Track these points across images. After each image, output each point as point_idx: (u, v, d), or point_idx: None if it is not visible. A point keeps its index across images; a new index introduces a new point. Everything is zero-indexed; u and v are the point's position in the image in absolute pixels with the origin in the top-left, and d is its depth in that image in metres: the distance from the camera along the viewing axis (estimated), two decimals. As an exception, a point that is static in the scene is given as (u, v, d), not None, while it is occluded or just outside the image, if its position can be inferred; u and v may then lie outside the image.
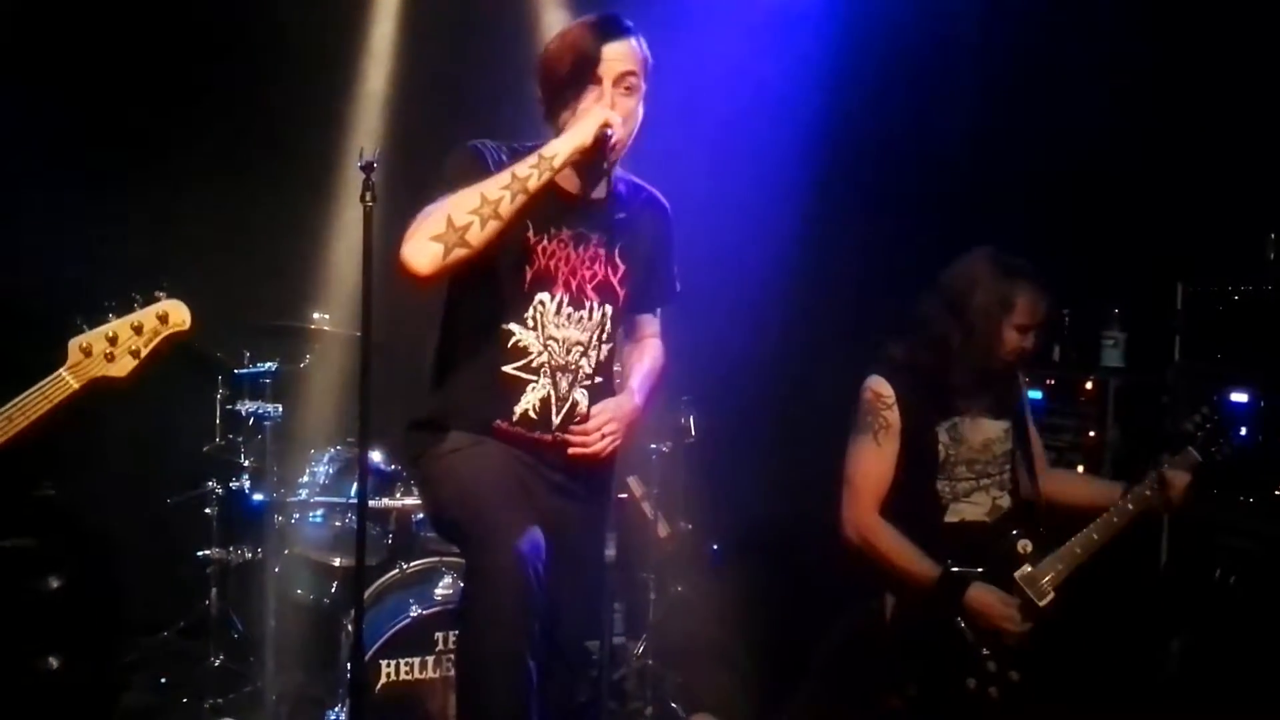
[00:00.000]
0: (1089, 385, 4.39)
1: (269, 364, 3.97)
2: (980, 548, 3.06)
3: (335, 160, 4.49)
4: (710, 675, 4.43)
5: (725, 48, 4.61)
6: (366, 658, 3.50)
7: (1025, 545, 3.08)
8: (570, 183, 2.58)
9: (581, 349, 2.58)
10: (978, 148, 4.63)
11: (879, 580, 3.14)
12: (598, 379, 2.62)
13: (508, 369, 2.52)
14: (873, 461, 3.08)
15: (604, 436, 2.56)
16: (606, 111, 2.45)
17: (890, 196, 4.73)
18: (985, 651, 3.02)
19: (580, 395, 2.59)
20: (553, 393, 2.55)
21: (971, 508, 3.13)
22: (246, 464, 4.03)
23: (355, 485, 3.90)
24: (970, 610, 3.00)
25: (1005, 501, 3.14)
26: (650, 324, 2.85)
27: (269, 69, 4.56)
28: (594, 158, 2.47)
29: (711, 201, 4.46)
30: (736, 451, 4.82)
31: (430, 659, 3.45)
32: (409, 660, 3.45)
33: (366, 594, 3.76)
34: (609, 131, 2.42)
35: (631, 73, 2.50)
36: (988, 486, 3.14)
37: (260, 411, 3.92)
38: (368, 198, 2.49)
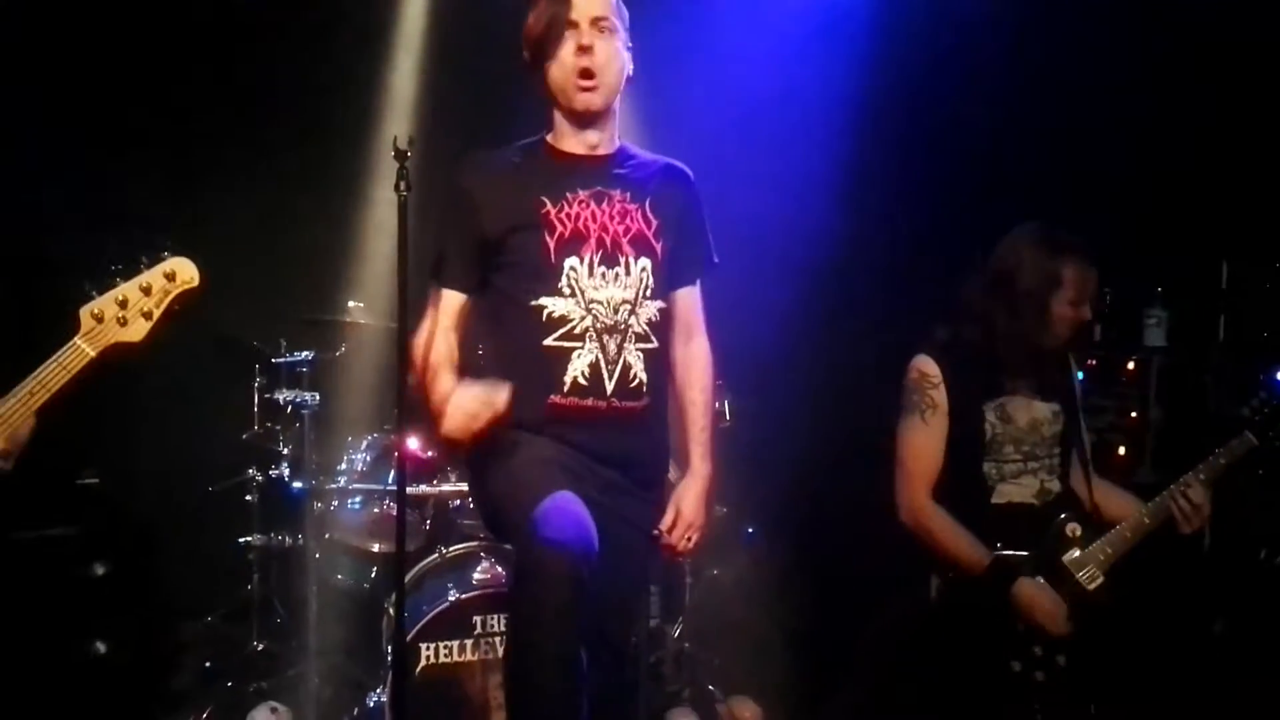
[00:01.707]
0: (1131, 365, 4.33)
1: (305, 353, 3.99)
2: (1028, 531, 3.03)
3: (370, 148, 4.48)
4: (748, 658, 4.43)
5: (757, 35, 4.59)
6: (406, 640, 3.55)
7: (1074, 529, 3.04)
8: (574, 144, 2.57)
9: (629, 307, 2.51)
10: (1016, 129, 4.56)
11: (926, 562, 3.12)
12: (652, 340, 2.55)
13: (548, 342, 2.47)
14: (921, 441, 3.05)
15: (688, 539, 2.61)
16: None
17: (927, 179, 4.67)
18: (1031, 637, 3.00)
19: (634, 358, 2.51)
20: (601, 356, 2.48)
21: (1019, 489, 3.08)
22: (285, 452, 4.06)
23: (393, 472, 3.97)
24: (1017, 603, 2.97)
25: (1055, 485, 3.10)
26: (692, 308, 2.76)
27: (303, 56, 4.56)
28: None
29: (745, 182, 4.43)
30: (771, 434, 4.79)
31: (469, 642, 3.47)
32: (448, 644, 3.47)
33: (407, 578, 3.81)
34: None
35: (604, 16, 2.51)
36: (1036, 469, 3.09)
37: (298, 400, 3.94)
38: (402, 187, 2.46)
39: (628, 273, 2.52)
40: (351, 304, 4.03)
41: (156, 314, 2.37)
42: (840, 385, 4.67)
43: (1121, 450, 4.25)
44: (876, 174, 4.67)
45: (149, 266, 2.38)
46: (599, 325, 2.49)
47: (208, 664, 4.21)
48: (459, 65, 4.62)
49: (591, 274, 2.49)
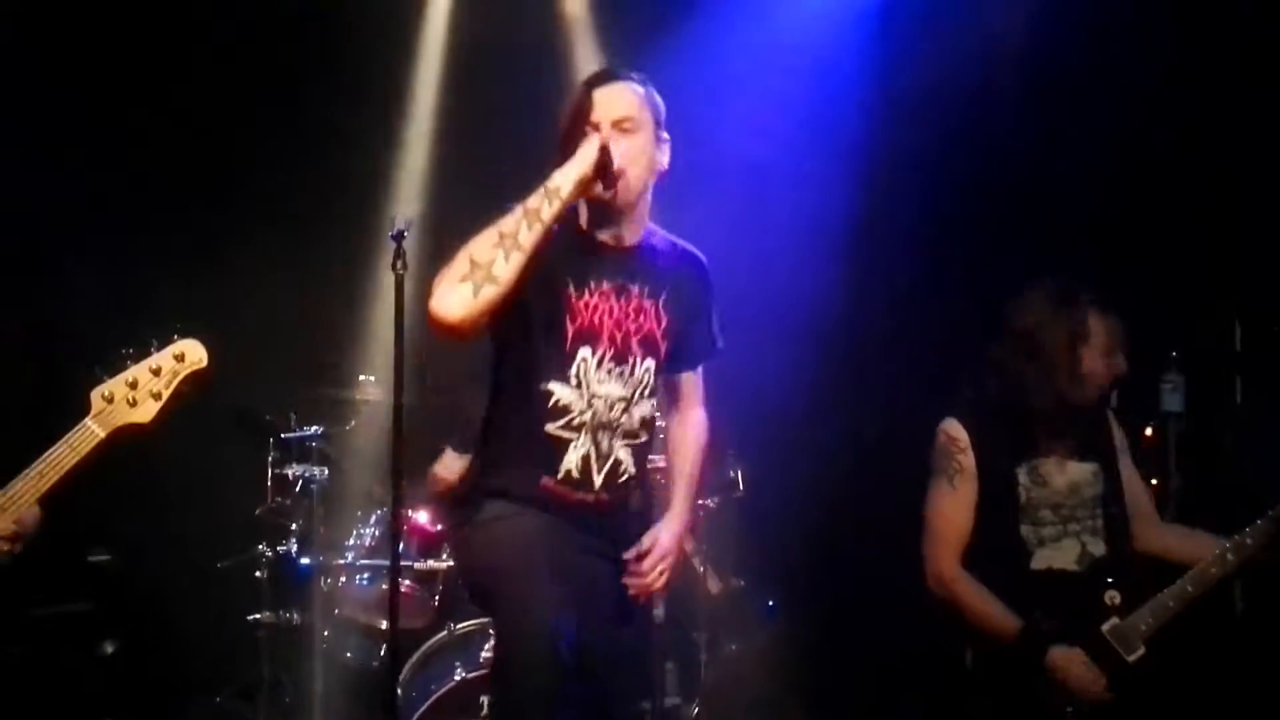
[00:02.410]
0: (1149, 432, 4.26)
1: (315, 427, 4.00)
2: (1067, 598, 2.96)
3: (380, 226, 4.53)
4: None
5: (763, 74, 4.60)
6: (414, 721, 3.50)
7: (1114, 597, 2.96)
8: (604, 233, 2.56)
9: (624, 405, 2.53)
10: (1030, 190, 4.54)
11: (958, 632, 3.06)
12: (641, 437, 2.58)
13: (550, 428, 2.48)
14: (950, 507, 3.01)
15: (661, 573, 2.59)
16: (599, 138, 2.44)
17: (935, 239, 4.66)
18: (1069, 708, 2.91)
19: (623, 454, 2.54)
20: (593, 450, 2.50)
21: (1059, 554, 3.01)
22: (293, 527, 4.05)
23: (402, 545, 3.95)
24: (1051, 671, 2.89)
25: (1098, 549, 3.03)
26: (692, 385, 2.79)
27: (312, 133, 4.65)
28: (600, 187, 2.44)
29: (759, 249, 4.45)
30: (789, 504, 4.74)
31: (476, 723, 3.42)
32: (454, 724, 3.43)
33: (415, 656, 3.77)
34: (607, 153, 2.40)
35: (627, 117, 2.49)
36: (1077, 533, 3.03)
37: (306, 474, 3.95)
38: (398, 265, 2.50)
39: (632, 372, 2.55)
40: (361, 378, 4.05)
41: (165, 395, 2.41)
42: (862, 451, 4.62)
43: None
44: (896, 232, 4.66)
45: (159, 349, 2.41)
46: (596, 420, 2.51)
47: (216, 744, 4.17)
48: (471, 138, 4.69)
49: (600, 367, 2.51)
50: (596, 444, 2.51)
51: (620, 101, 2.50)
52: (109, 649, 4.14)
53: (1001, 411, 3.02)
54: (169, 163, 4.53)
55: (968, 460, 3.00)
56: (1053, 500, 3.02)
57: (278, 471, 4.08)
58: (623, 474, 2.54)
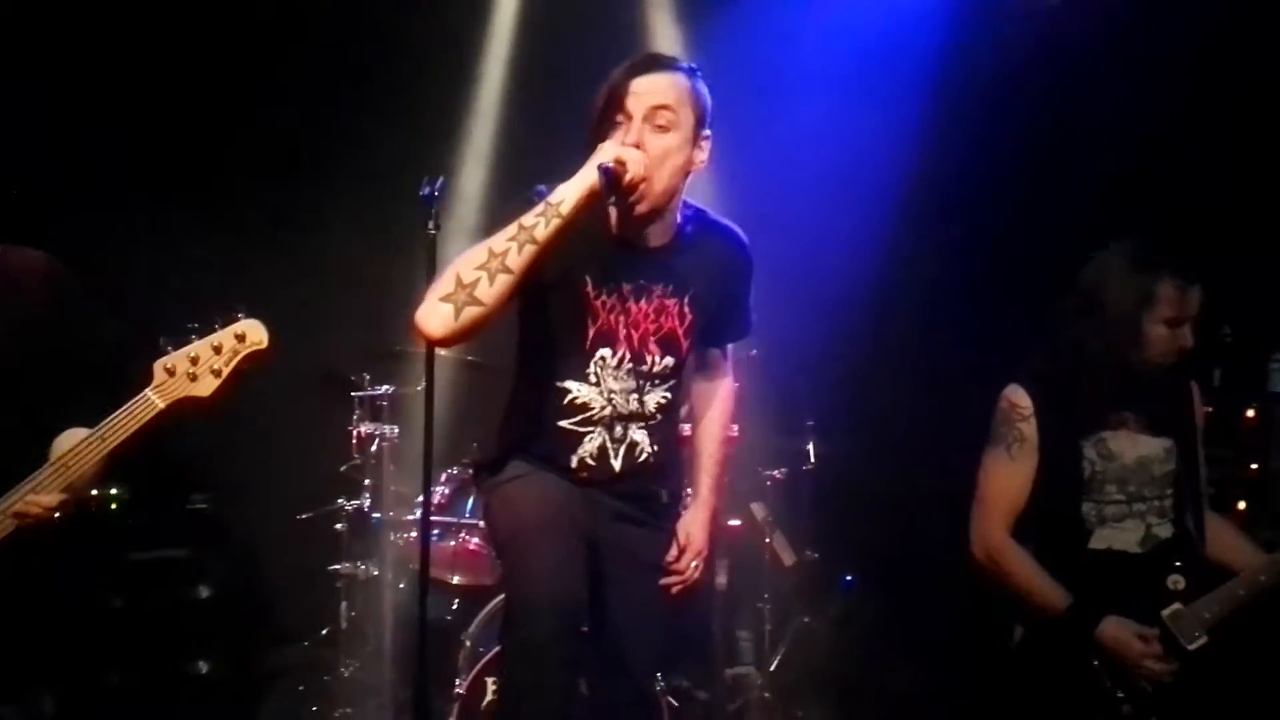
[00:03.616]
0: (1251, 413, 4.03)
1: (387, 387, 4.12)
2: (1126, 580, 2.82)
3: (452, 184, 4.65)
4: (833, 710, 4.30)
5: (831, 46, 4.54)
6: (472, 675, 3.60)
7: (1177, 581, 2.81)
8: (629, 233, 2.46)
9: (638, 395, 2.49)
10: (1115, 151, 4.33)
11: (1007, 608, 2.95)
12: (658, 418, 2.54)
13: (564, 424, 2.47)
14: (1005, 476, 2.89)
15: (697, 566, 2.59)
16: (616, 149, 2.31)
17: (1020, 211, 4.49)
18: (1120, 693, 2.79)
19: (639, 435, 2.51)
20: (608, 438, 2.49)
21: (1121, 534, 2.87)
22: (366, 483, 4.19)
23: (470, 503, 4.06)
24: (1103, 645, 2.76)
25: (1164, 531, 2.88)
26: (719, 357, 2.74)
27: (384, 99, 4.78)
28: (610, 200, 2.33)
29: (833, 223, 4.38)
30: (862, 477, 4.66)
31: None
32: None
33: (481, 613, 3.87)
34: (611, 167, 2.28)
35: (664, 106, 2.34)
36: (1142, 513, 2.88)
37: (379, 432, 4.07)
38: (430, 226, 2.53)
39: (650, 369, 2.50)
40: (432, 340, 4.14)
41: (225, 372, 2.43)
42: (935, 423, 4.50)
43: (1241, 505, 3.94)
44: (970, 200, 4.54)
45: (222, 326, 2.45)
46: (614, 414, 2.49)
47: (300, 688, 4.35)
48: (542, 107, 4.71)
49: (618, 367, 2.47)
50: (612, 432, 2.49)
51: (658, 93, 2.34)
52: (204, 593, 4.35)
53: (1069, 380, 2.87)
54: (247, 134, 4.70)
55: (1029, 429, 2.86)
56: (1119, 476, 2.87)
57: (356, 429, 4.21)
58: (641, 453, 2.51)
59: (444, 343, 2.33)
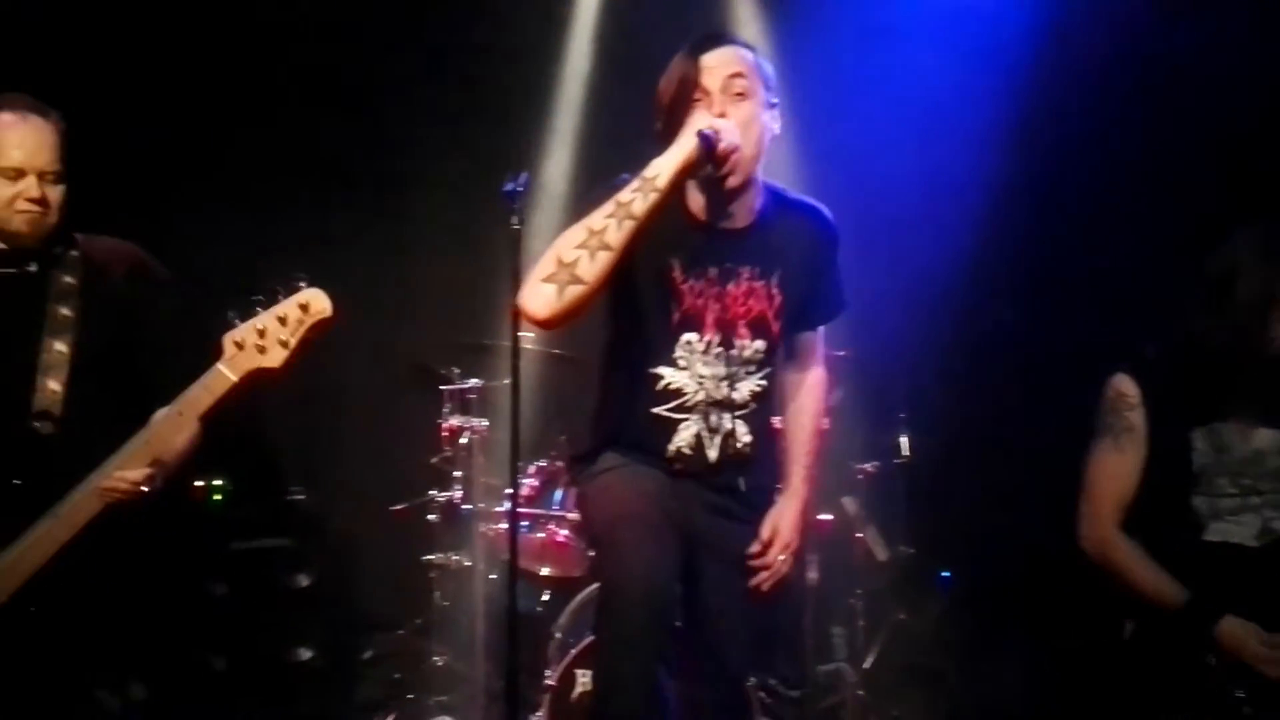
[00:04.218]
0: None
1: (475, 380, 4.16)
2: (1242, 575, 2.71)
3: (540, 177, 4.65)
4: (929, 711, 4.22)
5: (911, 54, 4.45)
6: (563, 666, 3.62)
7: None
8: (713, 215, 2.46)
9: (730, 382, 2.49)
10: (1232, 137, 4.14)
11: (1117, 603, 2.85)
12: (751, 406, 2.53)
13: (659, 410, 2.47)
14: (1113, 467, 2.80)
15: (784, 561, 2.54)
16: (710, 118, 2.34)
17: (1126, 200, 4.32)
18: (1239, 693, 2.67)
19: (735, 424, 2.50)
20: (704, 427, 2.48)
21: (1237, 528, 2.76)
22: (456, 475, 4.23)
23: (559, 494, 4.08)
24: (1222, 645, 2.66)
25: None
26: (810, 344, 2.70)
27: (475, 83, 4.80)
28: (706, 171, 2.34)
29: (925, 212, 4.28)
30: (962, 472, 4.55)
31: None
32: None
33: (571, 604, 3.89)
34: (710, 133, 2.30)
35: (738, 74, 2.38)
36: (1258, 506, 2.76)
37: (468, 425, 4.11)
38: (515, 221, 2.53)
39: (740, 354, 2.49)
40: (521, 333, 4.16)
41: (293, 343, 2.45)
42: (1033, 415, 4.37)
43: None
44: (1075, 185, 4.39)
45: (285, 295, 2.47)
46: (708, 399, 2.47)
47: (396, 676, 4.44)
48: (625, 97, 4.68)
49: (706, 351, 2.47)
50: (708, 421, 2.48)
51: (729, 63, 2.39)
52: (303, 582, 4.45)
53: (1180, 368, 2.77)
54: (335, 128, 4.75)
55: (1137, 418, 2.77)
56: (1232, 469, 2.75)
57: (445, 422, 4.26)
58: (737, 443, 2.50)
59: (548, 323, 2.33)
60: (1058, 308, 4.40)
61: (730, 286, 2.46)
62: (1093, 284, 4.29)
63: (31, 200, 2.49)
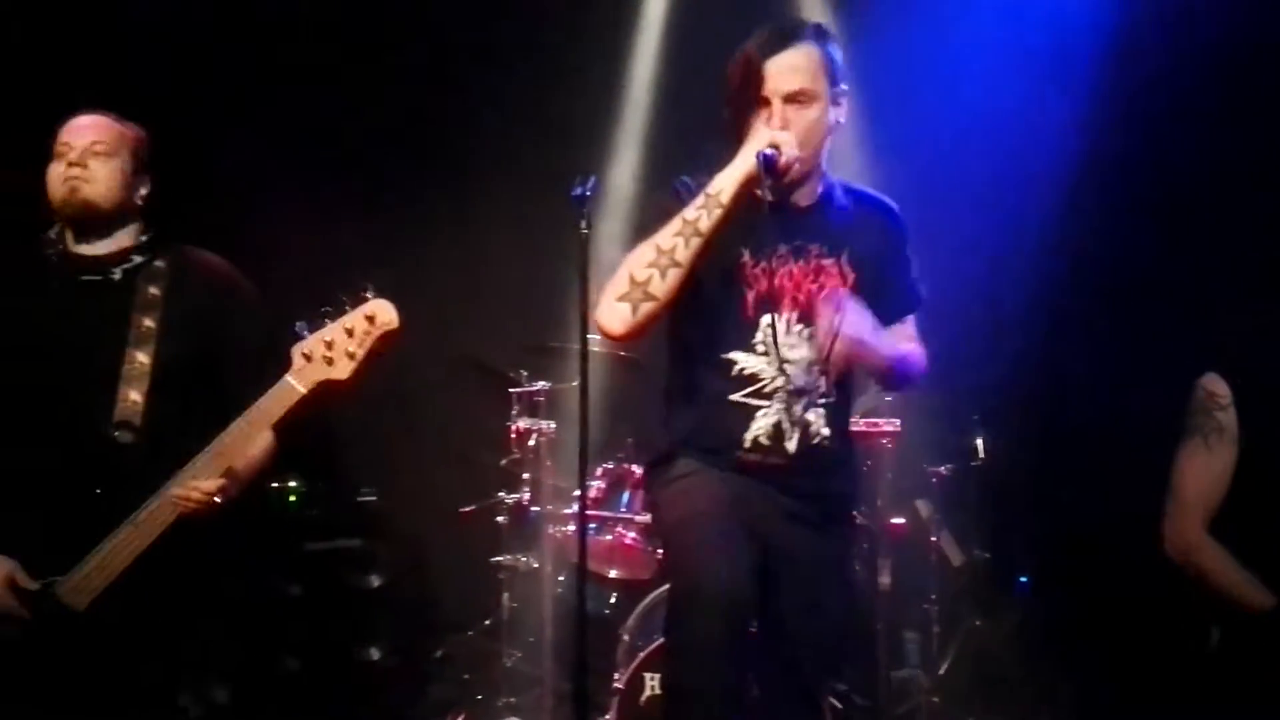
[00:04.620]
0: None
1: (543, 383, 4.16)
2: None
3: (605, 183, 4.64)
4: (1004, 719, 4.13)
5: (980, 46, 4.35)
6: (631, 669, 3.60)
7: None
8: (775, 194, 2.43)
9: (819, 367, 2.45)
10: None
11: (1203, 608, 2.77)
12: (834, 396, 2.49)
13: (735, 397, 2.44)
14: (1202, 469, 2.73)
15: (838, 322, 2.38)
16: (771, 133, 2.34)
17: (1209, 195, 4.19)
18: None
19: (814, 415, 2.46)
20: (785, 417, 2.44)
21: None
22: (525, 477, 4.24)
23: (627, 497, 4.06)
24: None
25: None
26: (900, 336, 2.61)
27: (540, 87, 4.80)
28: (766, 184, 2.34)
29: (1002, 210, 4.19)
30: (1039, 476, 4.44)
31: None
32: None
33: (640, 606, 3.87)
34: (771, 153, 2.31)
35: (800, 90, 2.38)
36: None
37: (536, 427, 4.12)
38: (582, 226, 2.52)
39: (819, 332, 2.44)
40: (588, 336, 4.15)
41: (360, 355, 2.45)
42: (1113, 416, 4.25)
43: None
44: (1152, 180, 4.25)
45: (351, 307, 2.47)
46: (790, 386, 2.44)
47: (466, 676, 4.46)
48: (691, 97, 4.65)
49: (789, 332, 2.45)
50: (789, 410, 2.44)
51: (795, 75, 2.38)
52: (374, 583, 4.49)
53: (1272, 368, 2.69)
54: (403, 131, 4.80)
55: (1228, 419, 2.69)
56: None
57: (514, 425, 4.27)
58: (816, 436, 2.46)
59: (625, 338, 2.42)
60: (1140, 304, 4.27)
61: (800, 263, 2.46)
62: (1180, 280, 4.16)
63: (72, 164, 2.53)
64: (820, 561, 2.52)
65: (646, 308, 2.35)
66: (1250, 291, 2.82)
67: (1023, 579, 4.65)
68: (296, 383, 2.44)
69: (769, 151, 2.32)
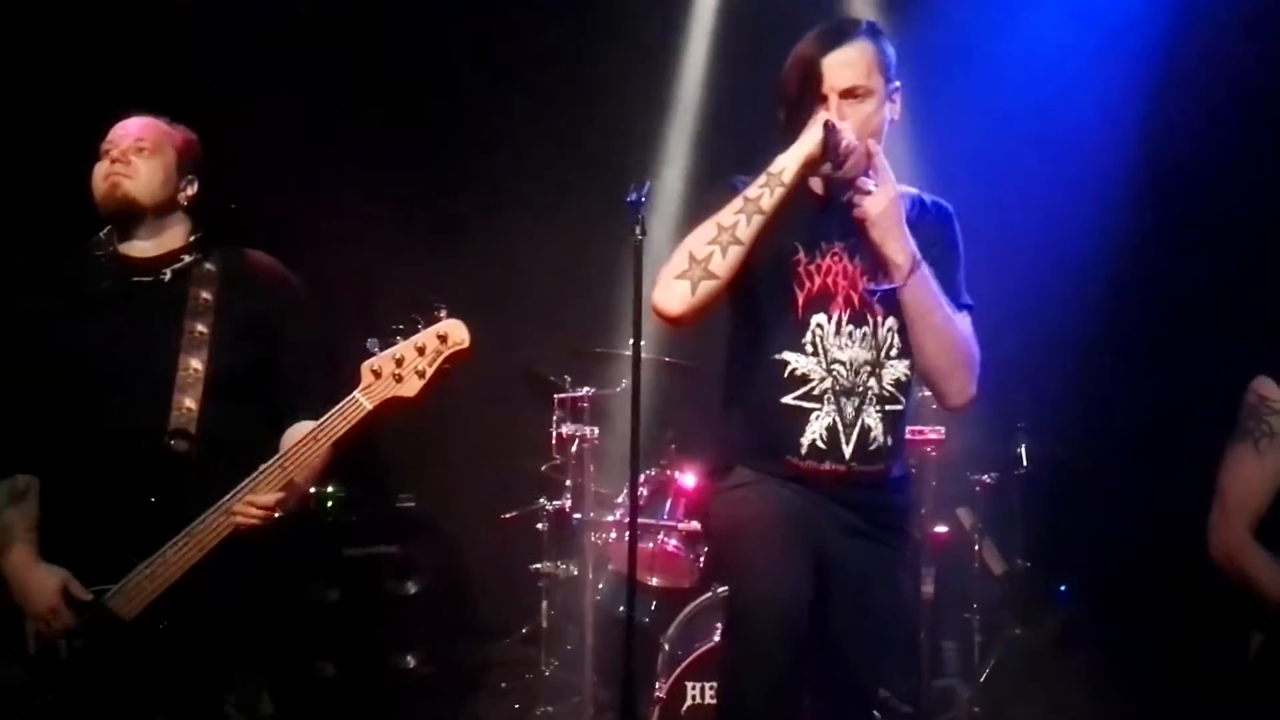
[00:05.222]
0: None
1: (587, 389, 4.15)
2: None
3: (652, 178, 4.62)
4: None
5: (1033, 46, 4.32)
6: (672, 678, 3.58)
7: None
8: (830, 190, 2.45)
9: (870, 368, 2.42)
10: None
11: (1246, 614, 2.74)
12: (895, 403, 2.45)
13: (787, 400, 2.41)
14: (1251, 472, 2.71)
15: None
16: (829, 116, 2.33)
17: (1261, 195, 4.13)
18: None
19: (872, 420, 2.42)
20: (838, 418, 2.41)
21: None
22: (567, 483, 4.23)
23: (669, 506, 4.04)
24: None
25: None
26: None
27: (585, 100, 4.80)
28: (825, 169, 2.35)
29: (1046, 214, 4.16)
30: (1081, 484, 4.40)
31: (734, 685, 3.45)
32: (714, 685, 3.47)
33: (680, 615, 3.85)
34: (832, 131, 2.30)
35: (856, 85, 2.37)
36: None
37: (579, 433, 4.10)
38: (638, 231, 2.51)
39: (874, 333, 2.43)
40: (631, 341, 4.13)
41: (429, 373, 2.42)
42: (1158, 423, 4.21)
43: None
44: (1198, 183, 4.20)
45: (424, 326, 2.45)
46: (838, 387, 2.41)
47: (504, 684, 4.45)
48: (738, 102, 4.66)
49: (838, 333, 2.42)
50: (841, 412, 2.40)
51: (850, 70, 2.37)
52: (412, 589, 4.48)
53: None
54: (451, 136, 4.81)
55: (1279, 423, 2.67)
56: None
57: (556, 430, 4.26)
58: (873, 442, 2.42)
59: (682, 319, 2.34)
60: (1184, 311, 4.23)
61: (856, 260, 2.42)
62: (1226, 284, 4.11)
63: (115, 160, 2.54)
64: (874, 574, 2.48)
65: (706, 286, 2.31)
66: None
67: (1062, 587, 4.61)
68: (364, 399, 2.42)
69: (831, 126, 2.30)
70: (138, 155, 2.55)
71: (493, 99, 4.83)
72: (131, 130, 2.58)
